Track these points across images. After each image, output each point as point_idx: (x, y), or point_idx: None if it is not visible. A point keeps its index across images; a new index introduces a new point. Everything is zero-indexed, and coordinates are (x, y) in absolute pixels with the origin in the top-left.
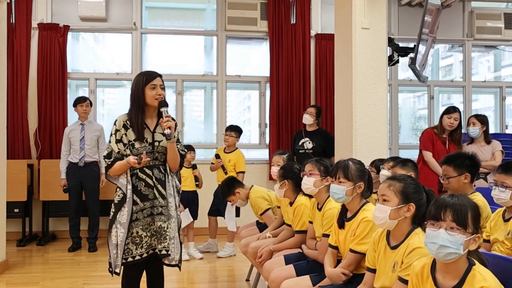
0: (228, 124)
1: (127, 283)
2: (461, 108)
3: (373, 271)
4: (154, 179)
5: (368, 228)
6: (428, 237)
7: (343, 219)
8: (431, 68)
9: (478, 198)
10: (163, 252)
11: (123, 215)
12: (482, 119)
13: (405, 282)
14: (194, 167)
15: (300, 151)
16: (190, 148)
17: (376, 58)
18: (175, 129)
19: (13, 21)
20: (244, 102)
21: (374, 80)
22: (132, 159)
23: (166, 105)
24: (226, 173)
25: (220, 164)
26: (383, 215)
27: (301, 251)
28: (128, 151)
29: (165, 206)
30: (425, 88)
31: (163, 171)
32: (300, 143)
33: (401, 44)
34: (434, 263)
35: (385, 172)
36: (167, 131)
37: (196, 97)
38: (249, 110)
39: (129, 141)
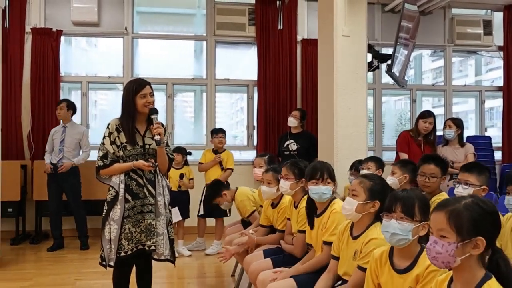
0: (217, 126)
1: (119, 276)
2: (442, 111)
3: (338, 259)
4: (144, 179)
5: (338, 218)
6: (383, 227)
7: (313, 216)
8: (414, 72)
9: (443, 198)
10: (152, 247)
11: (116, 212)
12: (458, 123)
13: (363, 270)
14: (181, 176)
15: (285, 153)
16: (179, 150)
17: (356, 64)
18: (164, 134)
19: (7, 26)
20: (237, 103)
21: (355, 85)
22: (141, 164)
23: (156, 112)
24: (223, 169)
25: (219, 160)
26: (351, 207)
27: (279, 246)
28: (121, 153)
29: (154, 205)
30: (407, 92)
31: (153, 171)
32: (285, 144)
33: (384, 49)
34: (392, 250)
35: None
36: (157, 137)
37: (187, 98)
38: (242, 111)
39: (121, 143)
